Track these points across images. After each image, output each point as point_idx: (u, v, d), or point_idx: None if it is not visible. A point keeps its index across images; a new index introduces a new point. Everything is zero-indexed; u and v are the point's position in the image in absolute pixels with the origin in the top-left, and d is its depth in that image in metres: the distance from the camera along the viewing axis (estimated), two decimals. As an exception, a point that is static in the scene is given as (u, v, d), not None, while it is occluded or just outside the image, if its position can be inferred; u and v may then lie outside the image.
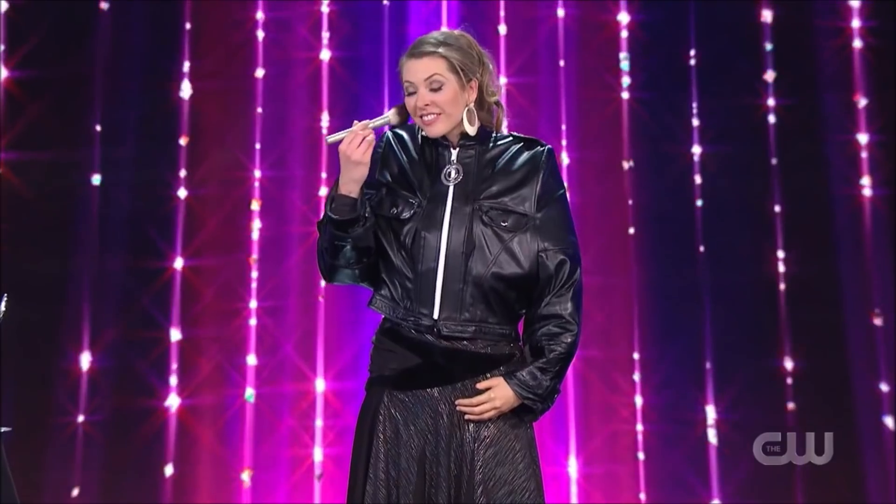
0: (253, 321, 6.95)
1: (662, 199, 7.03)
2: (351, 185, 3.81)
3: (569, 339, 3.81)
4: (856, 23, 7.06)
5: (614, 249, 7.00)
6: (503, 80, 6.88)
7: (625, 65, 7.10)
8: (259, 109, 7.05)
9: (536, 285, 3.84)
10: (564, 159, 7.00)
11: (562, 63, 7.13)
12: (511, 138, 3.97)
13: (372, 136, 3.81)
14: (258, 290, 6.96)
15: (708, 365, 6.88)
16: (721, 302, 6.91)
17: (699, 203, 7.03)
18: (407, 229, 3.84)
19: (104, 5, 7.03)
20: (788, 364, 6.83)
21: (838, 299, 6.91)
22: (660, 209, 7.02)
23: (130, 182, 6.97)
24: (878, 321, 6.84)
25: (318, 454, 6.86)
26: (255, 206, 7.02)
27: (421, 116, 3.87)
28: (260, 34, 7.11)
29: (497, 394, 3.79)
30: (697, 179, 7.04)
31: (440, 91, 3.85)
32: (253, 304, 6.95)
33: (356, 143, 3.78)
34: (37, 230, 6.89)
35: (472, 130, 3.89)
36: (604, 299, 6.94)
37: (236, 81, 7.05)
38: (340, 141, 3.81)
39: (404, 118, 3.91)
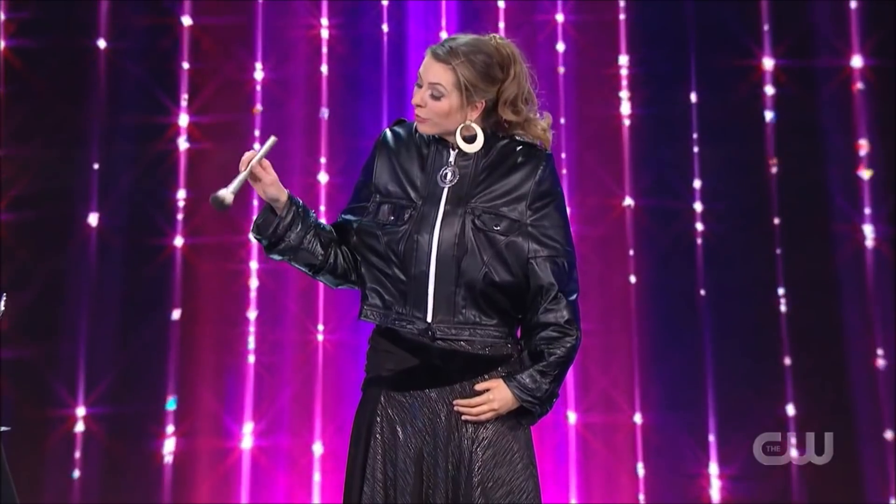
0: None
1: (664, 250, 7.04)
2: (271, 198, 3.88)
3: (569, 344, 3.80)
4: (857, 61, 7.02)
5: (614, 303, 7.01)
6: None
7: (624, 94, 7.09)
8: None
9: (528, 291, 3.82)
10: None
11: (561, 70, 7.11)
12: (511, 141, 3.94)
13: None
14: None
15: (711, 437, 6.88)
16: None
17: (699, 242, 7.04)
18: (402, 234, 3.82)
19: (102, 43, 7.02)
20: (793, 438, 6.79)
21: (840, 342, 6.87)
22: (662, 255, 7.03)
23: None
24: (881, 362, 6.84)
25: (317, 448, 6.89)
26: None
27: (415, 113, 3.88)
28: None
29: (496, 395, 3.78)
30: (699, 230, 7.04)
31: (437, 101, 3.84)
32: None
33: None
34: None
35: (466, 148, 3.87)
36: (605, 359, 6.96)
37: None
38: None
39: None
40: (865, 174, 6.96)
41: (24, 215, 6.85)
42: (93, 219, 6.90)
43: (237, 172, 3.80)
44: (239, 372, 6.90)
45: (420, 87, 3.85)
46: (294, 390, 6.90)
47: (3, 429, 4.71)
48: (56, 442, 6.79)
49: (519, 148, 3.92)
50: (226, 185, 3.74)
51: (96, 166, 6.93)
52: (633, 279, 6.96)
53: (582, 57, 7.08)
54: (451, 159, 3.88)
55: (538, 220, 3.83)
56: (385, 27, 7.05)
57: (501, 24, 7.00)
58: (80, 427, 6.78)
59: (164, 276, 6.91)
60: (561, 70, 7.06)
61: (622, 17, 7.10)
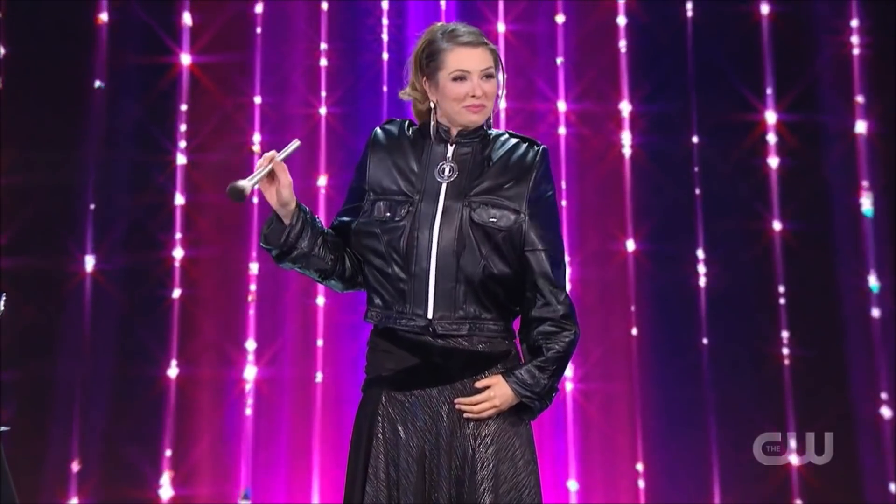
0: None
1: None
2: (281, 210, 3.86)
3: (567, 339, 3.82)
4: (860, 122, 7.04)
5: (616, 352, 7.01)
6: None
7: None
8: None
9: (524, 283, 3.84)
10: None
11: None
12: (507, 135, 3.97)
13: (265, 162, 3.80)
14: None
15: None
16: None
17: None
18: (401, 230, 3.82)
19: (98, 83, 7.03)
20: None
21: (845, 385, 6.86)
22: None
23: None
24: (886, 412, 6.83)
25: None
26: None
27: (468, 106, 3.88)
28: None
29: (496, 392, 3.79)
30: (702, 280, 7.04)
31: (490, 82, 3.89)
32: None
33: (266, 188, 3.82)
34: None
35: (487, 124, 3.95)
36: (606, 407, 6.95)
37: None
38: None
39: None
40: (867, 211, 6.99)
41: (18, 261, 6.86)
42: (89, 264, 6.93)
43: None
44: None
45: (466, 80, 3.87)
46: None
47: (3, 429, 4.72)
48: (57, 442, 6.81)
49: (516, 141, 3.95)
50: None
51: (92, 206, 6.95)
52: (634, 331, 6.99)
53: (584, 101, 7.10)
54: (449, 154, 3.90)
55: (535, 214, 3.84)
56: (385, 55, 7.10)
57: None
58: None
59: (161, 327, 6.91)
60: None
61: (623, 63, 7.12)
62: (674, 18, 7.11)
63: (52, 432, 6.81)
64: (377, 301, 3.88)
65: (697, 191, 7.02)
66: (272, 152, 3.78)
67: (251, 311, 6.98)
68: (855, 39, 7.08)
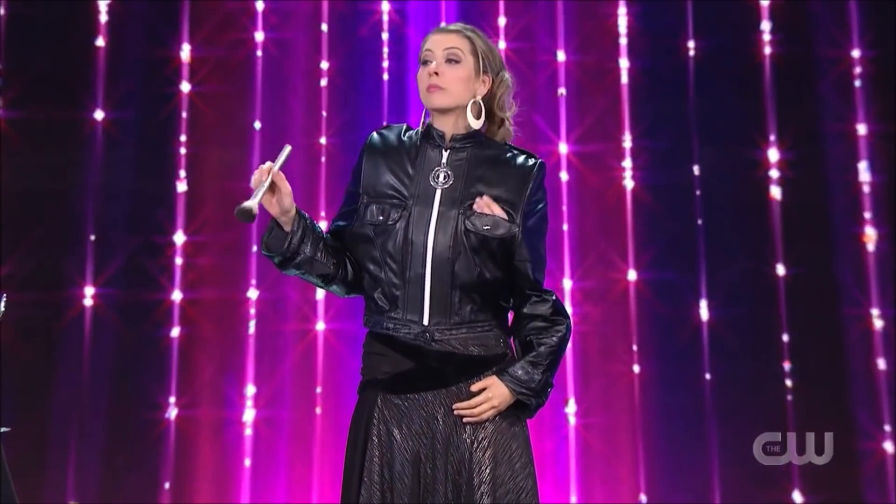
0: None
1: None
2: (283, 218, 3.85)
3: (559, 332, 3.86)
4: (862, 128, 7.04)
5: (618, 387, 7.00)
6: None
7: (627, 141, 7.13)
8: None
9: (515, 286, 3.86)
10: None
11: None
12: (505, 146, 3.96)
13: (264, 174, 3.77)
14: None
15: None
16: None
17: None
18: (395, 234, 3.82)
19: (98, 114, 7.03)
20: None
21: (850, 421, 6.84)
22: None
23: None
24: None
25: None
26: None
27: (427, 86, 3.87)
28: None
29: (493, 392, 3.79)
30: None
31: (455, 66, 3.87)
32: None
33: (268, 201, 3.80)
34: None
35: (475, 124, 3.90)
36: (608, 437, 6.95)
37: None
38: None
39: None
40: (870, 246, 6.98)
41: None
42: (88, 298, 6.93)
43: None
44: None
45: (429, 62, 3.87)
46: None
47: (3, 429, 4.72)
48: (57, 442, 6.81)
49: (513, 153, 3.94)
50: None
51: (93, 237, 6.94)
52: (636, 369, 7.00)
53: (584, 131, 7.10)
54: (444, 160, 3.89)
55: (529, 227, 3.85)
56: (385, 76, 7.11)
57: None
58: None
59: (161, 366, 6.90)
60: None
61: (625, 99, 7.12)
62: (676, 55, 7.10)
63: (48, 476, 6.81)
64: (373, 306, 3.88)
65: (700, 223, 7.01)
66: (268, 164, 3.76)
67: (250, 351, 6.97)
68: (858, 70, 7.07)
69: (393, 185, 3.87)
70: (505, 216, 3.82)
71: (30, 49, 7.00)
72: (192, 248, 6.98)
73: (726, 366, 6.92)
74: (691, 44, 7.10)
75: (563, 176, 7.02)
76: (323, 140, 7.06)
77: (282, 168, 3.77)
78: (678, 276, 6.98)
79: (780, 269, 6.97)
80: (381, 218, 3.83)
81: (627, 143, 7.06)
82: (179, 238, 6.97)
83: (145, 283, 6.93)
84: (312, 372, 6.93)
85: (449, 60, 3.86)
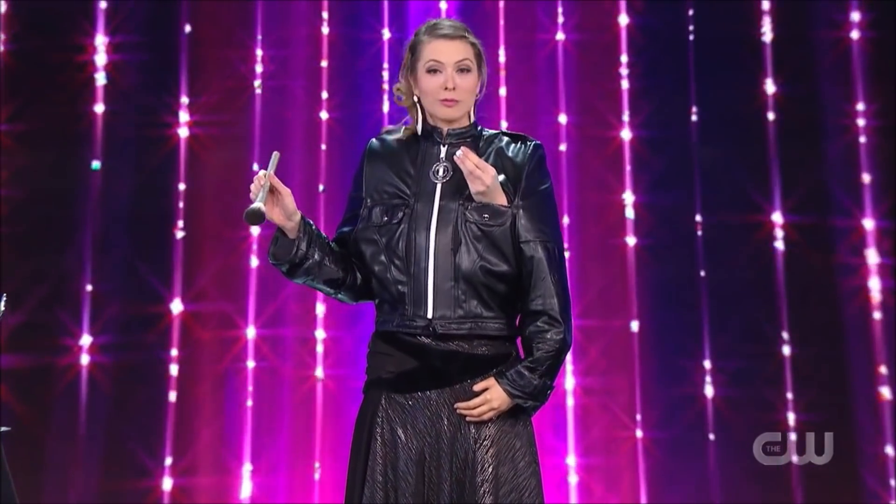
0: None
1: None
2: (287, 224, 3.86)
3: (556, 337, 3.79)
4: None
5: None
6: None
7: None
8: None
9: (524, 275, 3.83)
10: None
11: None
12: (501, 134, 3.98)
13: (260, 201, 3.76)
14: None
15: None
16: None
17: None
18: (399, 233, 3.84)
19: (96, 163, 7.02)
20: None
21: (853, 437, 6.83)
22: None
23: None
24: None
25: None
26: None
27: (442, 99, 3.88)
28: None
29: (492, 395, 3.79)
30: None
31: (466, 75, 3.88)
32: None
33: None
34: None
35: (473, 117, 3.95)
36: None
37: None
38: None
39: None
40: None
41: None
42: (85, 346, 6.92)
43: None
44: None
45: (439, 72, 3.87)
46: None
47: (4, 429, 4.72)
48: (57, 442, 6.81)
49: (508, 139, 3.96)
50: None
51: (89, 288, 6.93)
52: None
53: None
54: (443, 154, 3.90)
55: (526, 206, 3.84)
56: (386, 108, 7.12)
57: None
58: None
59: (158, 429, 6.89)
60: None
61: (627, 155, 7.12)
62: (679, 118, 7.08)
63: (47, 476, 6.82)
64: (382, 307, 3.90)
65: (703, 284, 7.00)
66: (261, 171, 3.78)
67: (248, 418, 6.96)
68: (861, 122, 7.04)
69: (395, 185, 3.89)
70: (505, 202, 3.84)
71: (28, 97, 6.99)
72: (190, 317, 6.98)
73: (727, 365, 6.92)
74: (694, 109, 7.10)
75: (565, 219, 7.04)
76: (321, 188, 7.08)
77: (275, 173, 3.79)
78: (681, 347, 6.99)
79: (784, 337, 6.94)
80: (385, 219, 3.85)
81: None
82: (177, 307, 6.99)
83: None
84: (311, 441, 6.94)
85: (460, 70, 3.88)
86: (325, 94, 7.13)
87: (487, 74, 3.98)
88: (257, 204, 3.69)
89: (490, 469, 3.77)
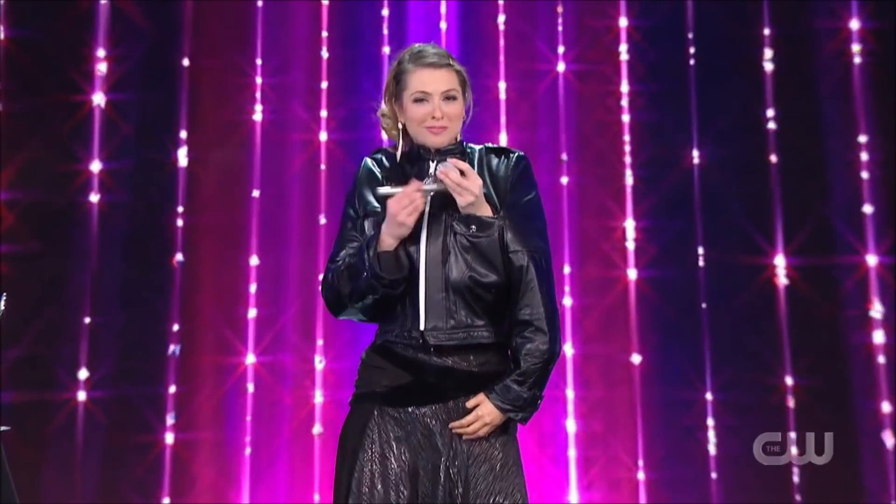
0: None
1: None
2: (391, 240, 3.84)
3: (542, 348, 3.81)
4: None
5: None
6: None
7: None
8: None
9: (513, 285, 3.85)
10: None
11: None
12: (484, 150, 4.01)
13: (420, 202, 3.82)
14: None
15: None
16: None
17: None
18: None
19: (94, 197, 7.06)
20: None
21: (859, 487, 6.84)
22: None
23: None
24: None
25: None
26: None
27: (429, 127, 3.91)
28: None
29: (483, 411, 3.81)
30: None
31: (453, 102, 3.92)
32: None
33: (403, 205, 3.80)
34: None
35: (459, 137, 3.97)
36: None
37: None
38: (391, 196, 3.84)
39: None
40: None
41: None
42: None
43: None
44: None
45: (426, 101, 3.91)
46: None
47: (3, 429, 4.73)
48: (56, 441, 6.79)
49: (492, 153, 4.00)
50: None
51: (87, 320, 6.95)
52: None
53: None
54: (432, 170, 3.91)
55: (515, 217, 3.87)
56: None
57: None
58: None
59: (155, 471, 6.89)
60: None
61: (629, 185, 7.15)
62: (681, 158, 7.11)
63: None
64: (384, 319, 3.92)
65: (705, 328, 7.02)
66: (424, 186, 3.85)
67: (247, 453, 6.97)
68: (865, 174, 7.06)
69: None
70: (490, 213, 3.86)
71: (25, 131, 7.02)
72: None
73: (727, 364, 6.92)
74: (696, 152, 7.13)
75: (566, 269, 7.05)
76: (322, 220, 7.11)
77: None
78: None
79: (789, 380, 6.93)
80: (374, 231, 3.88)
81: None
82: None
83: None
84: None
85: (447, 99, 3.91)
86: (324, 113, 7.18)
87: (485, 101, 4.03)
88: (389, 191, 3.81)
89: (485, 485, 3.80)
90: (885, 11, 7.09)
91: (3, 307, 4.66)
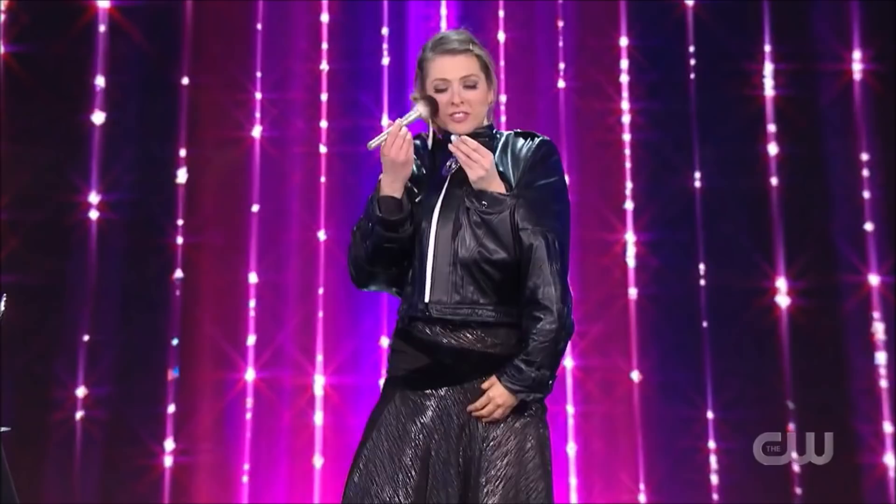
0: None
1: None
2: (395, 185, 3.87)
3: (548, 327, 3.78)
4: (874, 276, 7.05)
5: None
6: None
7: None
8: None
9: (522, 265, 3.83)
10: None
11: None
12: (512, 134, 4.02)
13: (410, 135, 3.85)
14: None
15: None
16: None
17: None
18: (414, 223, 3.89)
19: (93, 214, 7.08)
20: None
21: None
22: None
23: None
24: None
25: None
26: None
27: (451, 114, 3.93)
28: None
29: (494, 392, 3.80)
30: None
31: (474, 89, 3.93)
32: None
33: (398, 145, 3.83)
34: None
35: (486, 122, 3.99)
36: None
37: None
38: (380, 145, 3.86)
39: (434, 108, 3.92)
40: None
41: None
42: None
43: None
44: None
45: (445, 90, 3.93)
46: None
47: (3, 429, 4.73)
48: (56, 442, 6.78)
49: (520, 136, 4.00)
50: None
51: (86, 338, 6.95)
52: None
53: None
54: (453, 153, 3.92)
55: (528, 197, 3.87)
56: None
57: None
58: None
59: (154, 490, 6.87)
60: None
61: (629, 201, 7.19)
62: (682, 178, 7.13)
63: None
64: (403, 292, 3.95)
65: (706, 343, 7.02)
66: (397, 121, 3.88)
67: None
68: (866, 194, 7.09)
69: (414, 179, 3.94)
70: (503, 190, 3.87)
71: (21, 154, 7.03)
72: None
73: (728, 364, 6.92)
74: (697, 175, 7.16)
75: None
76: (321, 235, 7.12)
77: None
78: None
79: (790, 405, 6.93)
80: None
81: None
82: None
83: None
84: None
85: (467, 86, 3.93)
86: (324, 124, 7.21)
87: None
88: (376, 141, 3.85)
89: (494, 469, 3.77)
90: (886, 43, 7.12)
91: (3, 307, 4.67)
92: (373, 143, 3.86)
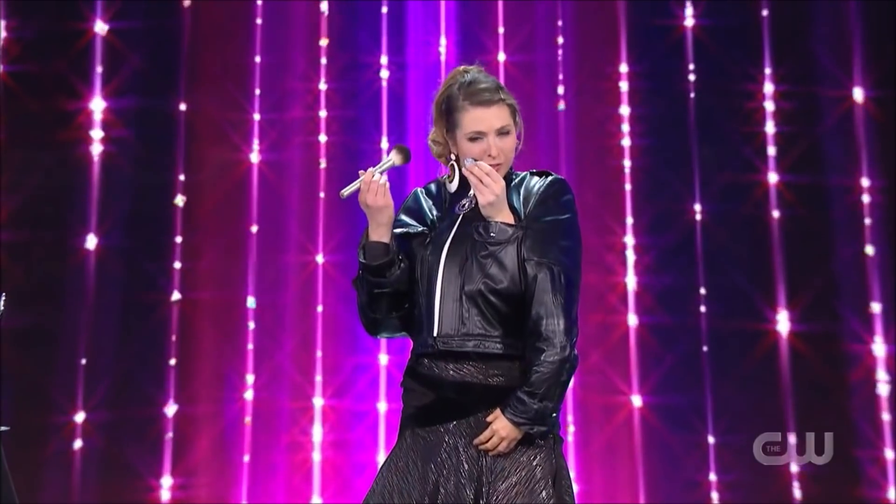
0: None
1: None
2: (380, 230, 3.88)
3: (551, 358, 3.74)
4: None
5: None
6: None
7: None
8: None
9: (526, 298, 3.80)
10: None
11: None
12: (527, 174, 4.01)
13: (384, 179, 3.84)
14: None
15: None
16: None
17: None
18: (420, 257, 3.90)
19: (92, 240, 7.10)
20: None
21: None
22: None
23: None
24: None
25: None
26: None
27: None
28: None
29: (498, 425, 3.78)
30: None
31: (507, 136, 3.92)
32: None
33: (374, 190, 3.83)
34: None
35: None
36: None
37: None
38: (355, 192, 3.86)
39: (406, 157, 3.91)
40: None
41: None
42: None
43: None
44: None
45: (480, 140, 3.90)
46: None
47: (3, 429, 4.72)
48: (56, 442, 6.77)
49: (535, 175, 3.99)
50: None
51: (83, 361, 6.96)
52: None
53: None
54: (471, 192, 3.92)
55: (536, 229, 3.85)
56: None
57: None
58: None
59: None
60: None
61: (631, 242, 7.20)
62: (683, 210, 7.16)
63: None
64: (415, 332, 3.95)
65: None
66: (370, 170, 3.87)
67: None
68: (867, 220, 7.11)
69: (428, 216, 3.97)
70: (511, 221, 3.86)
71: (20, 171, 7.05)
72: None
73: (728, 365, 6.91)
74: (698, 207, 7.18)
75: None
76: (320, 258, 7.13)
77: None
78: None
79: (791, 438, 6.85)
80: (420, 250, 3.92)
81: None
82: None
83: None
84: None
85: (500, 134, 3.91)
86: (323, 138, 7.23)
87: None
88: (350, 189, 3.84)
89: (506, 501, 3.74)
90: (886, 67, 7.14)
91: (2, 307, 4.67)
92: (345, 192, 3.87)
